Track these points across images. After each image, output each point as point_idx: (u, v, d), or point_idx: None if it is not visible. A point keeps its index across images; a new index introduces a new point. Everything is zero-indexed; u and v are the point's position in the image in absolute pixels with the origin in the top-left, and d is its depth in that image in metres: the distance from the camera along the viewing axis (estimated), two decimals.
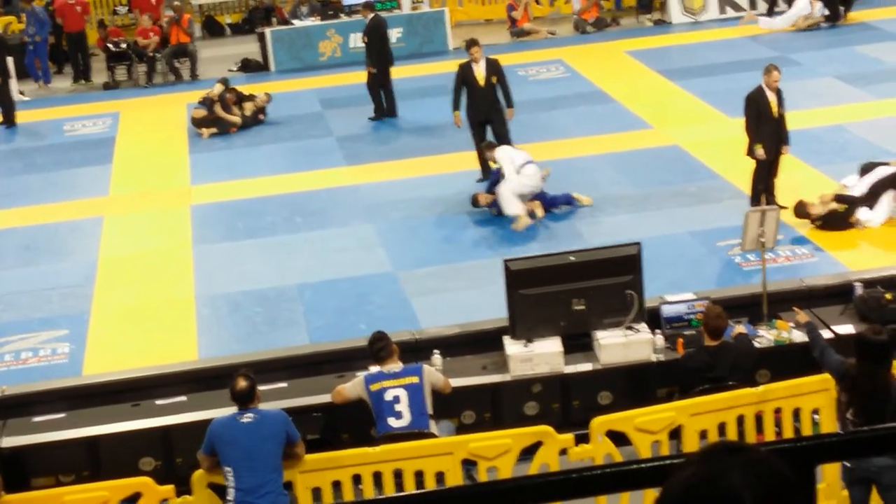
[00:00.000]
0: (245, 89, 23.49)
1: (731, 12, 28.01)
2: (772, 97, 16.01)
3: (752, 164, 16.14)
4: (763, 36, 26.00)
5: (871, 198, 15.73)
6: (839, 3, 26.59)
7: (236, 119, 22.43)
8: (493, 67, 18.55)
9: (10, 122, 23.95)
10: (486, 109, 18.40)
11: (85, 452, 12.14)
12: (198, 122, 22.42)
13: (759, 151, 15.93)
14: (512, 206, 16.66)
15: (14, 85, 25.07)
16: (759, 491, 2.68)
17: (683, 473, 2.75)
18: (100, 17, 28.84)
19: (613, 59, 25.47)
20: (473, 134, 18.50)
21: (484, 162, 18.21)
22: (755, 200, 15.84)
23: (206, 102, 22.46)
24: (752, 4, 28.03)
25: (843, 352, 10.70)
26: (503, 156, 17.12)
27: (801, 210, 15.85)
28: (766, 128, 16.01)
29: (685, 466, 2.77)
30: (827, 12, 26.43)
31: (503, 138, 18.17)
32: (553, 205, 17.11)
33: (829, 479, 10.70)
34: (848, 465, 9.98)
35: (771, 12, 27.35)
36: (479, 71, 18.43)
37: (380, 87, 22.33)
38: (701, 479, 2.73)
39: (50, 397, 12.76)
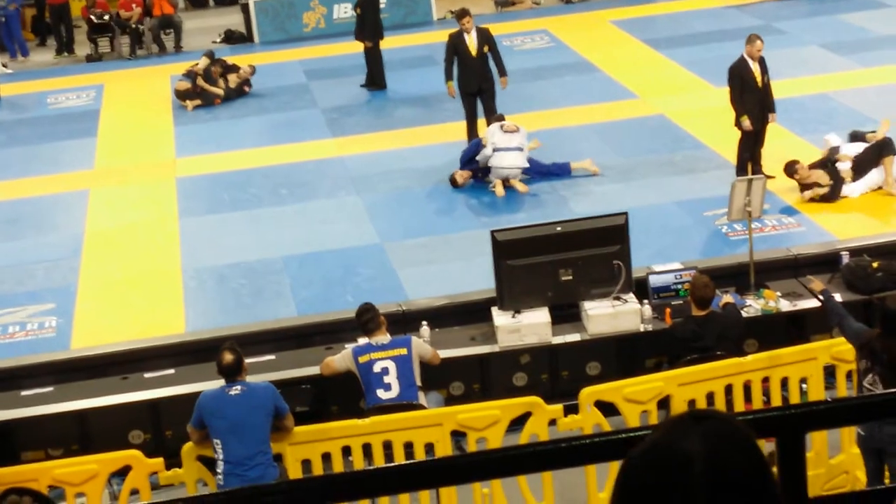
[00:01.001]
0: (229, 60, 23.39)
1: None
2: (755, 67, 15.99)
3: (738, 133, 16.14)
4: (748, 5, 25.95)
5: (855, 173, 15.75)
6: None
7: (219, 91, 22.36)
8: (485, 37, 18.39)
9: None
10: (478, 80, 18.26)
11: (74, 426, 12.15)
12: (181, 95, 22.35)
13: (746, 123, 15.92)
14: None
15: None
16: (713, 457, 2.70)
17: (648, 437, 2.78)
18: None
19: (598, 29, 25.43)
20: (465, 104, 18.34)
21: (472, 133, 18.17)
22: (741, 170, 15.85)
23: (191, 75, 22.39)
24: None
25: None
26: (488, 135, 17.04)
27: (790, 169, 15.83)
28: (750, 98, 15.99)
29: (653, 431, 2.79)
30: None
31: (491, 111, 18.10)
32: (546, 175, 17.08)
33: (818, 448, 10.76)
34: (861, 433, 9.96)
35: None
36: (471, 41, 18.28)
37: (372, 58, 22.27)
38: (660, 443, 2.76)
39: (38, 371, 12.76)
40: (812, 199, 15.60)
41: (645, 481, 2.73)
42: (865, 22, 23.74)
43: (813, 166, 15.84)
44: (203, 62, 22.57)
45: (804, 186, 15.73)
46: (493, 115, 17.87)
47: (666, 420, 2.83)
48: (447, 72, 18.46)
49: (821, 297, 11.42)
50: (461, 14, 18.52)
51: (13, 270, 15.96)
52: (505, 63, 18.47)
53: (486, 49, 18.29)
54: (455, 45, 18.34)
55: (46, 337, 14.07)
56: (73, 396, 12.27)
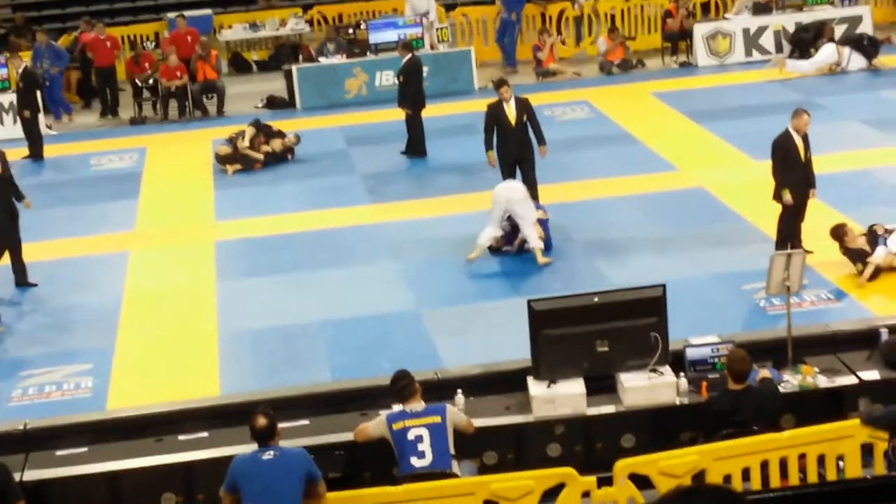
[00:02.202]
0: (273, 126, 23.51)
1: (756, 55, 28.02)
2: (799, 141, 15.98)
3: (777, 207, 16.10)
4: (789, 80, 26.00)
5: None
6: (869, 49, 26.59)
7: (259, 156, 22.49)
8: (523, 106, 18.42)
9: (37, 155, 24.10)
10: (518, 149, 18.28)
11: (107, 487, 12.12)
12: (222, 159, 22.51)
13: (787, 196, 15.88)
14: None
15: (42, 119, 25.20)
16: None
17: None
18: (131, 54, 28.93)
19: (638, 101, 25.50)
20: (504, 174, 18.26)
21: None
22: (781, 244, 15.79)
23: (233, 141, 22.55)
24: (779, 48, 28.03)
25: (871, 398, 10.65)
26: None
27: (838, 231, 15.83)
28: (793, 172, 15.96)
29: None
30: (864, 63, 26.40)
31: (531, 180, 18.09)
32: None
33: None
34: None
35: (800, 55, 27.31)
36: (510, 110, 18.32)
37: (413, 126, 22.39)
38: None
39: (73, 431, 12.74)
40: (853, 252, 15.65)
41: None
42: None
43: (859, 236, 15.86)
44: (249, 132, 22.69)
45: (848, 252, 15.72)
46: (532, 185, 17.90)
47: (662, 497, 2.83)
48: (487, 141, 18.47)
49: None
50: (500, 83, 18.57)
51: (52, 330, 16.04)
52: (545, 133, 18.50)
53: (525, 118, 18.31)
54: (494, 115, 18.37)
55: (82, 397, 14.11)
56: (108, 457, 12.25)
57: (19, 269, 17.30)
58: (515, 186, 17.34)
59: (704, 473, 10.80)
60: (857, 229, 16.09)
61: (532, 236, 16.92)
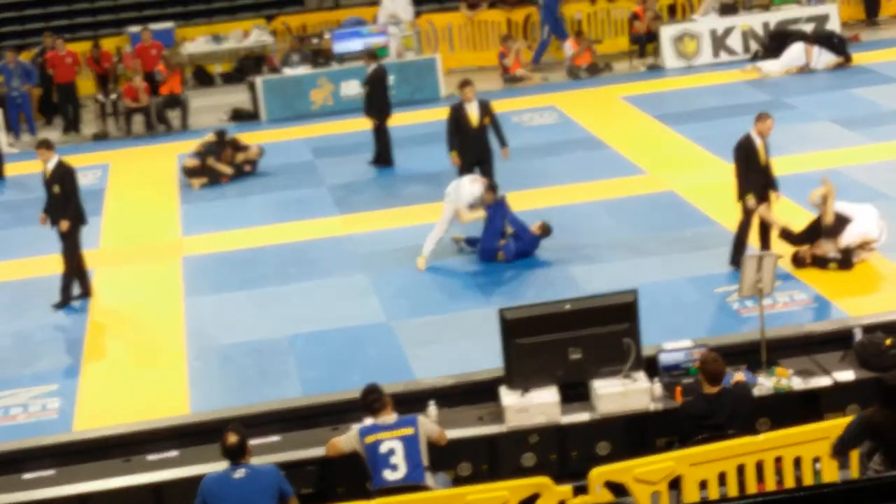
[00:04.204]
0: (240, 139, 23.32)
1: (724, 56, 27.98)
2: (760, 145, 15.88)
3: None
4: (757, 80, 25.95)
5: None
6: (838, 47, 26.60)
7: (227, 169, 22.32)
8: (485, 108, 18.54)
9: None
10: (478, 151, 18.37)
11: None
12: (189, 172, 22.33)
13: (752, 201, 15.78)
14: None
15: (3, 137, 24.95)
16: None
17: None
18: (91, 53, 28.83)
19: (607, 105, 25.42)
20: (462, 175, 18.36)
21: None
22: (739, 251, 15.68)
23: (203, 152, 22.37)
24: (746, 48, 27.99)
25: (846, 399, 10.55)
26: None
27: (798, 258, 15.88)
28: (755, 176, 15.86)
29: None
30: (836, 58, 26.39)
31: (490, 181, 18.14)
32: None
33: None
34: None
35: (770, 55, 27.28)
36: (472, 112, 18.40)
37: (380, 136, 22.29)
38: None
39: (40, 454, 12.55)
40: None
41: None
42: (876, 96, 23.71)
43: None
44: (208, 138, 22.58)
45: (816, 260, 15.73)
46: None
47: None
48: (450, 142, 18.60)
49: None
50: (463, 84, 18.65)
51: (16, 351, 15.84)
52: (513, 139, 18.49)
53: (486, 120, 18.36)
54: (456, 116, 18.42)
55: (49, 419, 13.93)
56: (76, 479, 12.06)
57: None
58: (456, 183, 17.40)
59: (681, 479, 10.69)
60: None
61: (430, 236, 17.17)
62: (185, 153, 22.98)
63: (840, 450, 10.58)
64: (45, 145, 17.26)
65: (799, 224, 16.20)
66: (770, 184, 16.00)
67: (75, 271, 17.00)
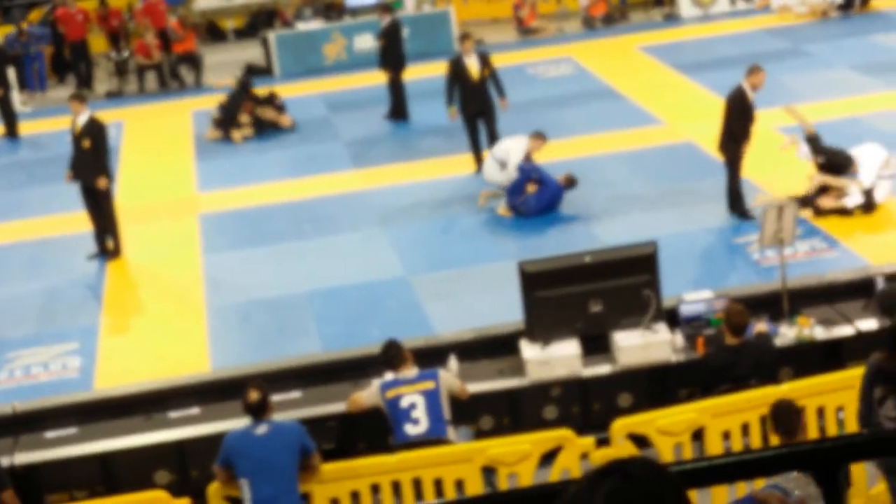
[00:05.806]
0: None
1: (741, 4, 27.77)
2: (752, 97, 15.76)
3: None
4: (775, 27, 25.73)
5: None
6: None
7: (245, 120, 22.16)
8: (485, 60, 18.65)
9: (12, 133, 23.80)
10: (478, 104, 18.44)
11: (98, 467, 11.97)
12: (215, 123, 22.27)
13: (743, 150, 15.78)
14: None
15: (16, 96, 24.90)
16: None
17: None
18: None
19: (623, 55, 25.25)
20: (466, 128, 18.58)
21: (478, 156, 18.38)
22: (737, 201, 15.65)
23: (227, 106, 22.25)
24: None
25: (869, 347, 10.45)
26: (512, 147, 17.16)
27: (817, 208, 15.81)
28: (749, 126, 15.76)
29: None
30: (840, 0, 26.20)
31: (493, 134, 18.36)
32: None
33: (856, 478, 10.48)
34: None
35: None
36: (472, 65, 18.49)
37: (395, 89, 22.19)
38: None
39: (61, 412, 12.56)
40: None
41: None
42: (895, 42, 23.48)
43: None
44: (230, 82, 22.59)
45: (832, 212, 15.68)
46: (495, 138, 17.87)
47: (583, 475, 2.79)
48: (448, 96, 18.67)
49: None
50: (462, 37, 18.73)
51: (36, 310, 15.81)
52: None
53: (486, 72, 18.36)
54: (455, 70, 18.45)
55: (70, 377, 13.92)
56: (98, 437, 12.09)
57: None
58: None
59: (703, 431, 10.66)
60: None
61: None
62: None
63: (865, 423, 10.51)
64: (79, 98, 17.09)
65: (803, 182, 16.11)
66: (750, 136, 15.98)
67: (113, 228, 16.89)
